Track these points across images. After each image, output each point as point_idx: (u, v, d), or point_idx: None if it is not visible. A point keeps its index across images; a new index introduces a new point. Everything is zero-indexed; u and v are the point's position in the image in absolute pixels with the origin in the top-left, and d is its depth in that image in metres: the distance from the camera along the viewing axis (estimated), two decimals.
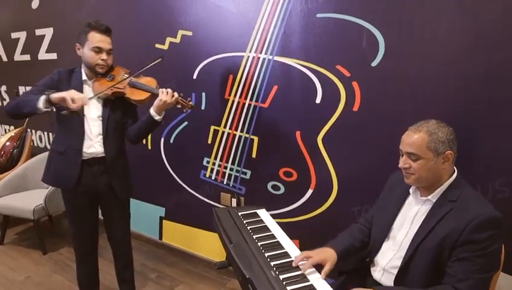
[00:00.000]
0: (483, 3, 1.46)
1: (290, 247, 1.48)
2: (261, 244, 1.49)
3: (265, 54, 2.06)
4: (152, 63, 1.85)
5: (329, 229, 2.02)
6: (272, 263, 1.35)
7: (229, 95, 2.25)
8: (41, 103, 1.62)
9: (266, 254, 1.41)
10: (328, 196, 2.02)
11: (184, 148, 2.57)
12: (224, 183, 2.43)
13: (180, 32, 2.36)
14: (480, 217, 1.11)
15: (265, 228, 1.64)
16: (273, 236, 1.57)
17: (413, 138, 1.24)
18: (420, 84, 1.65)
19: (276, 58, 2.03)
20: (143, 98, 1.82)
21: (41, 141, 3.67)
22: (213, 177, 2.47)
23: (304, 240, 2.07)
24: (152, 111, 1.79)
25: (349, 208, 1.95)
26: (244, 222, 1.69)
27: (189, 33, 2.33)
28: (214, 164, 2.44)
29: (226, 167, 2.39)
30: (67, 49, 3.07)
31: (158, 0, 2.43)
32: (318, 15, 1.85)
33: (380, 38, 1.71)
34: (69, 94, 1.59)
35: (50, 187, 2.83)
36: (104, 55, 1.80)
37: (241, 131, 2.26)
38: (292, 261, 1.36)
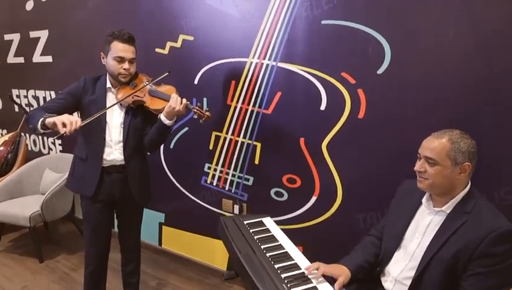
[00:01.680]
0: (485, 14, 1.47)
1: (299, 258, 1.46)
2: (270, 255, 1.47)
3: (269, 59, 2.04)
4: (163, 76, 1.83)
5: (334, 236, 2.03)
6: (283, 275, 1.33)
7: (231, 101, 2.23)
8: (39, 124, 1.62)
9: (276, 266, 1.40)
10: (332, 203, 2.01)
11: (184, 153, 2.54)
12: (226, 189, 2.41)
13: (181, 37, 2.33)
14: (497, 231, 1.11)
15: (273, 238, 1.63)
16: (281, 246, 1.56)
17: (434, 143, 1.24)
18: (425, 91, 1.65)
19: (280, 64, 2.01)
20: (161, 108, 1.78)
21: (35, 145, 3.60)
22: (214, 184, 2.45)
23: (308, 246, 2.06)
24: (162, 116, 1.78)
25: (354, 215, 1.94)
26: (251, 231, 1.67)
27: (191, 38, 2.30)
28: (215, 170, 2.42)
29: (228, 173, 2.37)
30: (63, 52, 3.06)
31: (158, 4, 2.40)
32: (323, 22, 1.84)
33: (386, 46, 1.70)
34: (60, 119, 1.56)
35: (46, 193, 2.78)
36: (126, 65, 1.78)
37: (244, 137, 2.24)
38: (302, 273, 1.35)
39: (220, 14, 2.15)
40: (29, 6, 3.20)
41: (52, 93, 3.25)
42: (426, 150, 1.26)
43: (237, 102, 2.21)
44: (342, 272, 1.31)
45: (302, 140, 2.03)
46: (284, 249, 1.54)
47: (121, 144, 1.85)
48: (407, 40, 1.65)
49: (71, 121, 1.55)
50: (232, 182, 2.37)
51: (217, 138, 2.35)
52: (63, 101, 1.81)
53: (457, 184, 1.24)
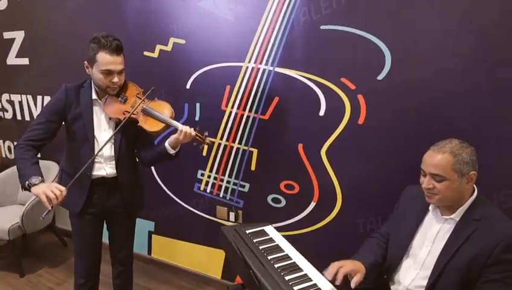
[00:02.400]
0: (486, 20, 1.50)
1: (308, 268, 1.44)
2: (278, 267, 1.44)
3: (266, 64, 2.01)
4: (151, 90, 1.74)
5: (333, 241, 2.03)
6: (296, 288, 1.31)
7: (226, 106, 2.18)
8: (25, 185, 1.52)
9: (286, 278, 1.37)
10: (331, 208, 2.00)
11: (176, 160, 2.45)
12: (221, 196, 2.35)
13: (172, 40, 2.26)
14: (510, 238, 1.13)
15: (278, 248, 1.59)
16: (287, 257, 1.53)
17: (437, 159, 1.23)
18: (426, 97, 1.66)
19: (278, 69, 1.98)
20: (157, 130, 1.68)
21: (10, 152, 3.40)
22: (208, 190, 2.39)
23: (307, 252, 2.03)
24: (167, 145, 1.68)
25: (353, 220, 1.95)
26: (254, 241, 1.63)
27: (182, 41, 2.22)
28: (209, 176, 2.36)
29: (222, 180, 2.32)
30: (41, 54, 2.90)
31: (146, 6, 2.31)
32: (322, 27, 1.82)
33: (387, 52, 1.71)
34: (44, 192, 1.46)
35: (27, 204, 2.63)
36: (115, 78, 1.63)
37: (239, 143, 2.20)
38: (314, 284, 1.33)
39: (214, 17, 2.09)
40: (3, 5, 3.01)
41: (29, 97, 3.07)
42: (430, 167, 1.25)
43: (232, 107, 2.16)
44: (359, 269, 1.29)
45: (300, 146, 2.01)
46: (291, 259, 1.51)
47: (113, 160, 1.75)
48: (407, 47, 1.66)
49: (55, 194, 1.46)
50: (227, 188, 2.32)
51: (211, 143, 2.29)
52: (46, 125, 1.66)
53: (465, 193, 1.26)
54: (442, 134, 1.60)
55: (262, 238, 1.66)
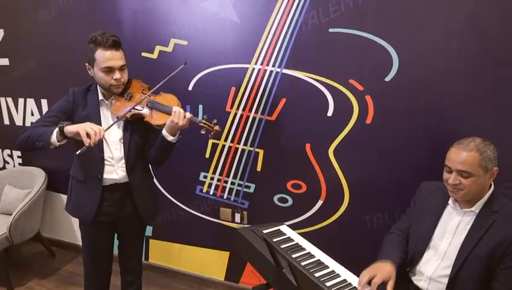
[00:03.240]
0: (490, 24, 1.61)
1: (334, 265, 1.48)
2: (305, 265, 1.47)
3: (273, 66, 2.03)
4: (174, 72, 1.72)
5: (341, 238, 2.09)
6: (328, 284, 1.34)
7: (231, 108, 2.18)
8: (54, 136, 1.46)
9: (316, 275, 1.40)
10: (339, 205, 2.06)
11: (177, 162, 2.40)
12: (225, 197, 2.35)
13: (173, 41, 2.22)
14: None
15: (299, 246, 1.63)
16: (311, 254, 1.56)
17: (464, 156, 1.31)
18: (431, 98, 1.76)
19: (285, 70, 2.01)
20: (162, 123, 1.64)
21: None
22: (211, 193, 2.37)
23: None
24: (164, 131, 1.64)
25: (361, 217, 2.02)
26: (274, 241, 1.66)
27: (184, 42, 2.20)
28: (212, 178, 2.34)
29: (226, 181, 2.31)
30: (24, 54, 2.74)
31: (143, 6, 2.25)
32: (330, 30, 1.87)
33: (394, 54, 1.79)
34: (84, 128, 1.43)
35: (14, 213, 2.48)
36: (116, 74, 1.60)
37: (245, 144, 2.20)
38: (344, 279, 1.37)
39: (218, 18, 2.08)
40: None
41: (9, 100, 2.89)
42: (457, 164, 1.32)
43: (237, 109, 2.16)
44: (390, 273, 1.32)
45: (308, 146, 2.05)
46: (314, 257, 1.55)
47: (123, 161, 1.70)
48: (414, 50, 1.75)
49: (95, 130, 1.42)
50: (231, 190, 2.32)
51: (214, 145, 2.28)
52: (55, 119, 1.61)
53: (486, 187, 1.35)
54: (446, 133, 1.73)
55: (281, 238, 1.69)
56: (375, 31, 1.80)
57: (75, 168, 1.74)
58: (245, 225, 2.30)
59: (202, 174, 2.36)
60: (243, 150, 2.22)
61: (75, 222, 2.73)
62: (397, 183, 1.90)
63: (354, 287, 1.33)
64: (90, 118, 1.64)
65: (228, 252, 2.42)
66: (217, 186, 2.35)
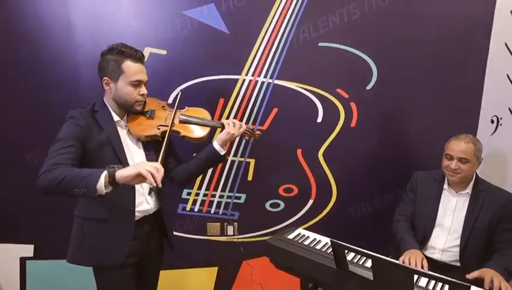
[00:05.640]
0: (446, 47, 2.06)
1: (373, 253, 1.66)
2: (352, 259, 1.61)
3: (265, 77, 2.08)
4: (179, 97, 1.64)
5: (330, 230, 2.30)
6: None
7: (219, 120, 2.12)
8: (102, 182, 1.17)
9: (368, 265, 1.56)
10: (328, 202, 2.28)
11: None
12: (212, 212, 2.27)
13: (148, 50, 2.01)
14: (507, 197, 1.68)
15: (328, 245, 1.75)
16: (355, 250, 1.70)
17: (464, 147, 1.68)
18: (406, 103, 2.14)
19: (277, 81, 2.08)
20: (205, 135, 1.59)
21: None
22: (196, 209, 2.26)
23: None
24: (217, 146, 1.59)
25: (346, 209, 2.28)
26: (305, 243, 1.74)
27: (162, 52, 2.01)
28: (197, 194, 2.23)
29: (214, 195, 2.24)
30: None
31: (105, 8, 1.96)
32: (320, 44, 2.04)
33: (373, 66, 2.08)
34: (144, 168, 1.18)
35: None
36: (144, 89, 1.48)
37: (234, 156, 2.18)
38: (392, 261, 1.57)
39: (204, 29, 1.99)
40: None
41: None
42: (459, 152, 1.68)
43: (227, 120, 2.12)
44: (422, 256, 1.61)
45: (299, 151, 2.19)
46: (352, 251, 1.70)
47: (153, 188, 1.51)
48: (390, 62, 2.08)
49: (155, 166, 1.20)
50: (219, 203, 2.25)
51: None
52: (74, 149, 1.33)
53: (474, 173, 1.75)
54: (418, 133, 2.13)
55: (310, 240, 1.79)
56: (357, 46, 2.06)
57: (88, 206, 1.44)
58: (238, 237, 2.28)
59: (185, 191, 2.22)
60: (233, 162, 2.19)
61: None
62: (377, 177, 2.23)
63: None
64: (112, 141, 1.42)
65: (217, 268, 2.35)
66: (202, 202, 2.25)
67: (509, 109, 1.92)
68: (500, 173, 1.93)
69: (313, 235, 1.84)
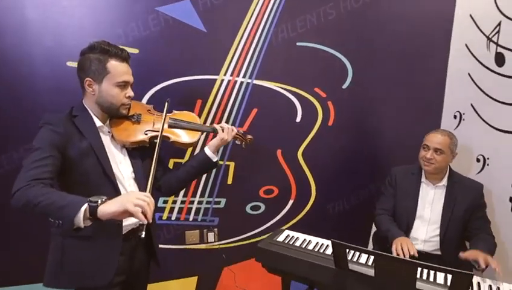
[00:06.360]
0: (411, 47, 2.17)
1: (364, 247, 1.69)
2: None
3: (244, 77, 2.02)
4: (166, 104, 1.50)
5: (309, 228, 2.32)
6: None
7: (204, 123, 2.02)
8: (81, 216, 1.02)
9: (362, 261, 1.59)
10: (307, 201, 2.28)
11: None
12: (190, 220, 2.16)
13: None
14: (478, 188, 1.81)
15: (320, 244, 1.75)
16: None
17: (441, 138, 1.78)
18: (380, 102, 2.21)
19: (256, 81, 2.04)
20: (195, 141, 1.49)
21: None
22: (173, 218, 2.13)
23: None
24: (209, 152, 1.50)
25: (325, 207, 2.31)
26: (296, 245, 1.72)
27: (134, 51, 1.86)
28: (174, 202, 2.10)
29: (192, 202, 2.13)
30: None
31: (74, 2, 1.76)
32: (298, 43, 2.04)
33: (349, 66, 2.13)
34: (131, 202, 1.03)
35: None
36: (130, 91, 1.36)
37: None
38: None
39: (180, 26, 1.88)
40: None
41: None
42: (435, 143, 1.78)
43: (204, 122, 2.03)
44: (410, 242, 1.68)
45: (279, 151, 2.16)
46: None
47: None
48: (364, 62, 2.14)
49: (144, 199, 1.05)
50: (198, 210, 2.15)
51: (176, 165, 2.06)
52: (51, 159, 1.17)
53: (448, 166, 1.86)
54: (389, 130, 2.23)
55: (300, 241, 1.77)
56: (333, 46, 2.09)
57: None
58: (219, 243, 2.20)
59: (161, 199, 2.08)
60: None
61: None
62: (352, 173, 2.29)
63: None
64: (94, 149, 1.27)
65: (196, 277, 2.25)
66: (180, 210, 2.13)
67: (472, 105, 2.07)
68: (465, 165, 2.08)
69: (301, 236, 1.82)
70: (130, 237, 1.37)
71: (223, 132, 1.53)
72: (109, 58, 1.29)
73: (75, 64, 1.78)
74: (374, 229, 2.31)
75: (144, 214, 1.03)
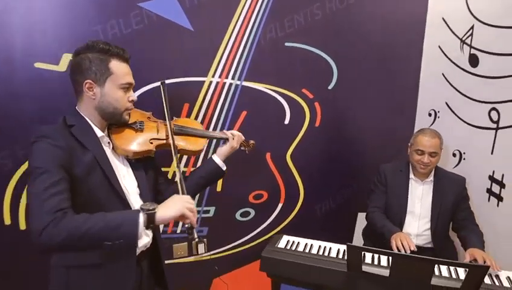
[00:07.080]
0: (388, 48, 2.24)
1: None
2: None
3: (232, 79, 1.92)
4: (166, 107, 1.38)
5: (299, 230, 2.30)
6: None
7: None
8: (141, 227, 0.97)
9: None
10: (296, 204, 2.26)
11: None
12: (178, 232, 2.02)
13: None
14: (462, 181, 1.91)
15: (320, 247, 1.73)
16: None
17: (433, 142, 1.84)
18: (364, 102, 2.25)
19: (245, 83, 1.95)
20: (201, 148, 1.40)
21: None
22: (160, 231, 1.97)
23: None
24: (219, 160, 1.42)
25: (312, 207, 2.30)
26: (298, 250, 1.68)
27: None
28: None
29: None
30: None
31: None
32: (286, 44, 1.99)
33: (334, 66, 2.14)
34: (185, 207, 1.05)
35: None
36: (134, 95, 1.22)
37: None
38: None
39: (165, 24, 1.73)
40: None
41: None
42: (430, 147, 1.83)
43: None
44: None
45: (268, 155, 2.11)
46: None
47: None
48: (349, 63, 2.16)
49: (192, 203, 1.07)
50: None
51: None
52: (64, 184, 1.01)
53: None
54: (379, 131, 2.28)
55: (303, 246, 1.73)
56: (319, 46, 2.08)
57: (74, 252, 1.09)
58: (209, 254, 2.09)
59: None
60: None
61: None
62: (339, 172, 2.30)
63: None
64: (99, 162, 1.11)
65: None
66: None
67: (446, 103, 2.20)
68: (442, 159, 2.19)
69: (302, 241, 1.79)
70: (141, 260, 1.24)
71: (233, 139, 1.44)
72: (110, 58, 1.15)
73: (45, 66, 1.60)
74: (359, 225, 2.36)
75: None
